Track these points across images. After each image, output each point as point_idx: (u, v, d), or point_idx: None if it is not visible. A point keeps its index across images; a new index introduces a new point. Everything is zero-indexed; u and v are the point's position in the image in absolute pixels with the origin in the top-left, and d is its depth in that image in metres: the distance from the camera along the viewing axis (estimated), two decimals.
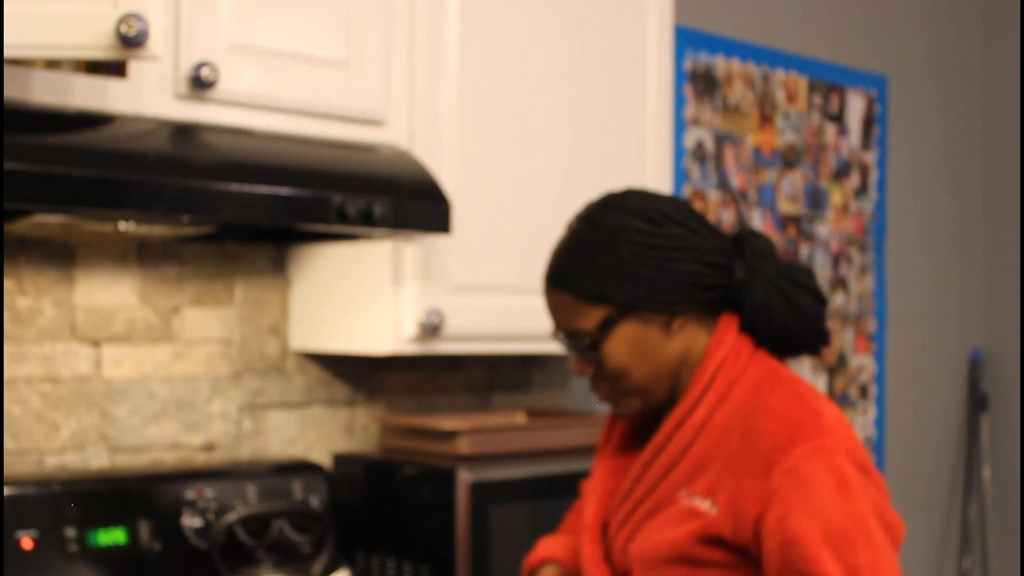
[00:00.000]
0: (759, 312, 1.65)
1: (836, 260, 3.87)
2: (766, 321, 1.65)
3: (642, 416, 1.74)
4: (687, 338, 1.66)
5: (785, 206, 3.69)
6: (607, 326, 1.63)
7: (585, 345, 1.65)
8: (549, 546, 1.91)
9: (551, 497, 2.11)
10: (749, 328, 1.67)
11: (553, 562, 1.89)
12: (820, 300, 1.67)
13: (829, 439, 1.55)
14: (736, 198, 3.51)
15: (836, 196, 3.86)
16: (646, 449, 1.67)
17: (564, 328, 1.67)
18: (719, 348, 1.64)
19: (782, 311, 1.65)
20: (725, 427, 1.60)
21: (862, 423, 3.96)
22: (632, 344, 1.64)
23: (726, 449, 1.59)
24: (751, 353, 1.66)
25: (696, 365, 1.66)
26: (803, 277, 1.67)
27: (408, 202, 2.13)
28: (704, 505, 1.58)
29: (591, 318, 1.64)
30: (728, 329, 1.66)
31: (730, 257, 1.66)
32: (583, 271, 1.63)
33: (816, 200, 3.80)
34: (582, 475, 2.04)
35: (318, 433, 2.61)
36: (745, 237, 1.69)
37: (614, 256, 1.62)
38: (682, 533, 1.58)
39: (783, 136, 3.68)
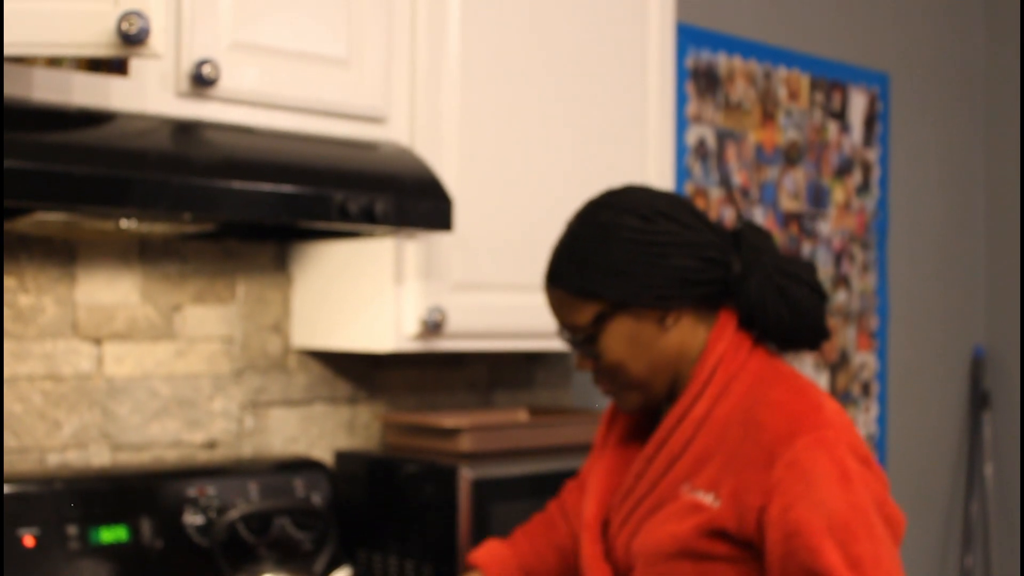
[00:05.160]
0: (754, 307, 1.65)
1: (838, 257, 3.86)
2: (762, 316, 1.65)
3: (644, 411, 1.75)
4: (684, 332, 1.67)
5: (787, 203, 3.69)
6: (600, 321, 1.65)
7: (581, 340, 1.68)
8: (482, 553, 1.97)
9: (553, 494, 2.11)
10: (747, 323, 1.67)
11: (479, 569, 1.95)
12: (819, 295, 1.67)
13: (831, 431, 1.56)
14: (734, 195, 3.51)
15: (838, 193, 3.86)
16: (647, 445, 1.68)
17: (563, 323, 1.70)
18: (718, 343, 1.65)
19: (777, 306, 1.65)
20: (726, 421, 1.61)
21: (864, 420, 3.96)
22: (627, 338, 1.65)
23: (727, 443, 1.59)
24: (750, 348, 1.66)
25: (695, 360, 1.67)
26: (802, 271, 1.67)
27: (410, 199, 2.13)
28: (707, 499, 1.58)
29: (585, 314, 1.66)
30: (727, 324, 1.66)
31: (728, 252, 1.67)
32: (575, 268, 1.66)
33: (818, 197, 3.79)
34: None
35: (320, 431, 2.61)
36: (743, 231, 1.69)
37: (605, 253, 1.63)
38: (686, 527, 1.59)
39: (785, 133, 3.68)
